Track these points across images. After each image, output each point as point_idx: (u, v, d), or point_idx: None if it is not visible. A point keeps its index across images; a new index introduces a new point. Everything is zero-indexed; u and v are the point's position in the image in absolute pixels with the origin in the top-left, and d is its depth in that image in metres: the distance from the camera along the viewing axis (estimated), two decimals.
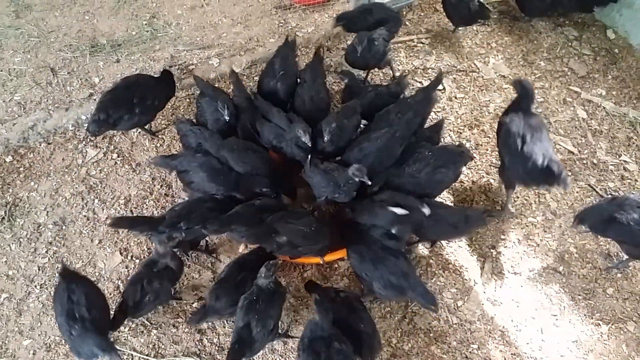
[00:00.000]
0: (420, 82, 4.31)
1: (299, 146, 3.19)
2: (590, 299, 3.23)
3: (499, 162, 3.48)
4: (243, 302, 2.67)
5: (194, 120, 3.45)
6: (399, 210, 2.82)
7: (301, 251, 2.92)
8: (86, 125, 3.76)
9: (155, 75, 3.71)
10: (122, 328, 2.99)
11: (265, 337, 2.64)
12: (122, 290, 3.12)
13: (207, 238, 3.30)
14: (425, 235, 3.15)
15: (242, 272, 2.87)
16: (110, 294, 3.13)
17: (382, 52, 3.87)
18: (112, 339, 2.81)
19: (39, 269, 3.22)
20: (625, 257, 3.26)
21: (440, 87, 3.62)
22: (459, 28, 4.69)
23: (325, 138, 3.20)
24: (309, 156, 3.15)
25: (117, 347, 2.91)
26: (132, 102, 3.37)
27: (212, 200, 3.03)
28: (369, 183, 2.90)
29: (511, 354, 3.01)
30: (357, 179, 2.90)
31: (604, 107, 4.22)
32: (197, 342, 2.98)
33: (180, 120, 3.36)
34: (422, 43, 4.64)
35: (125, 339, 2.97)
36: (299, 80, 3.60)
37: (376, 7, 4.19)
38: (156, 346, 2.96)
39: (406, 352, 2.98)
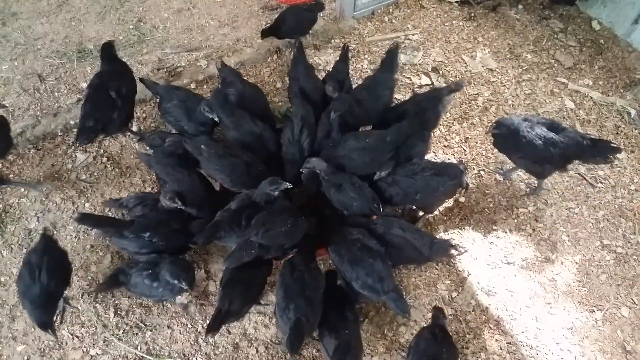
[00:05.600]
0: (408, 78, 4.33)
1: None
2: (583, 286, 3.24)
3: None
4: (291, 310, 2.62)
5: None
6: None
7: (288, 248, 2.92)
8: (75, 130, 3.75)
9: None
10: (116, 330, 2.99)
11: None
12: (114, 294, 3.12)
13: None
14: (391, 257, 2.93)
15: (247, 270, 2.82)
16: (102, 298, 3.11)
17: None
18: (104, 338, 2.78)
19: None
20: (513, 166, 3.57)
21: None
22: None
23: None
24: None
25: (112, 350, 2.92)
26: (111, 97, 3.35)
27: (180, 218, 3.03)
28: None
29: (507, 342, 3.02)
30: None
31: (591, 97, 4.24)
32: (192, 343, 2.97)
33: (150, 135, 3.39)
34: (409, 40, 4.66)
35: (120, 340, 2.96)
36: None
37: None
38: (151, 347, 2.95)
39: (402, 345, 2.98)
